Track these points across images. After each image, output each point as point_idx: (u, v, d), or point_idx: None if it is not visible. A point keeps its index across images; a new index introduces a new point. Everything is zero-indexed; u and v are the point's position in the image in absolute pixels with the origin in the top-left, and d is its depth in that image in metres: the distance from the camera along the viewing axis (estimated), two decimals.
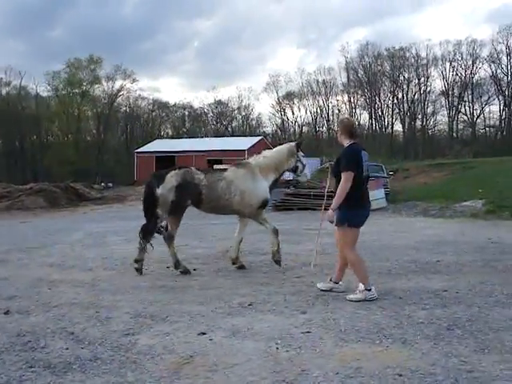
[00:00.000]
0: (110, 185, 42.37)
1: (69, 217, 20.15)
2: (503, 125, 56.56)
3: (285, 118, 70.64)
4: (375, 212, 16.70)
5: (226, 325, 4.62)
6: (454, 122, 59.61)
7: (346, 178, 5.39)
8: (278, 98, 70.47)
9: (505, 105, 56.34)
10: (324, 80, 66.38)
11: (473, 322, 4.58)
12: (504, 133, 55.51)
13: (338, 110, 65.98)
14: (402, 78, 61.83)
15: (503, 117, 56.72)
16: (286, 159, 7.37)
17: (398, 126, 63.52)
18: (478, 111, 58.80)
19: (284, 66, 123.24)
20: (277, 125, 71.75)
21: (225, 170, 7.51)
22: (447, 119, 60.06)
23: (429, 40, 70.76)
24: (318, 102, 66.91)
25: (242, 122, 75.44)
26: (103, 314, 5.05)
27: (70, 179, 36.76)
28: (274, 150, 7.67)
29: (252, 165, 7.32)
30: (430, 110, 60.89)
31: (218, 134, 67.64)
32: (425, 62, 60.54)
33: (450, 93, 59.68)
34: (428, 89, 60.64)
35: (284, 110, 70.43)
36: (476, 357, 3.79)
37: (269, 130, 72.50)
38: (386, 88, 63.10)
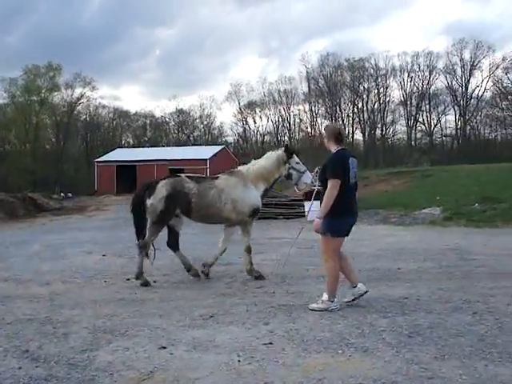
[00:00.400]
0: (70, 195, 41.43)
1: (27, 228, 19.56)
2: (459, 134, 58.17)
3: (247, 127, 70.81)
4: None
5: (187, 338, 4.53)
6: (413, 131, 60.95)
7: (333, 186, 5.23)
8: (239, 107, 70.62)
9: (460, 115, 58.03)
10: (285, 89, 66.92)
11: (433, 329, 4.63)
12: (460, 141, 57.09)
13: (300, 119, 66.62)
14: (361, 88, 62.92)
15: (459, 126, 58.38)
16: (275, 167, 7.20)
17: (358, 135, 64.58)
18: (435, 121, 60.40)
19: (246, 75, 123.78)
20: (239, 134, 71.82)
21: (216, 177, 7.40)
22: (406, 128, 61.38)
23: (388, 51, 72.47)
24: (280, 111, 67.39)
25: (204, 131, 75.16)
26: (60, 330, 4.87)
27: (28, 189, 35.86)
28: (264, 157, 7.50)
29: (243, 173, 7.28)
30: (389, 119, 62.16)
31: (179, 143, 67.13)
32: (384, 72, 61.82)
33: (409, 103, 61.04)
34: (387, 99, 61.92)
35: (246, 119, 70.62)
36: (436, 363, 3.83)
37: (231, 139, 72.51)
38: (346, 98, 64.05)
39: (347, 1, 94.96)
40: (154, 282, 7.19)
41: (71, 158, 65.56)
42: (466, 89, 58.30)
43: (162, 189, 6.96)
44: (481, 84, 57.81)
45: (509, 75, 54.98)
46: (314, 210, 17.17)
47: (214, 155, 52.41)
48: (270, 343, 4.32)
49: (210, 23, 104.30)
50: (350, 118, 63.42)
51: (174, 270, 8.19)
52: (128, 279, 7.31)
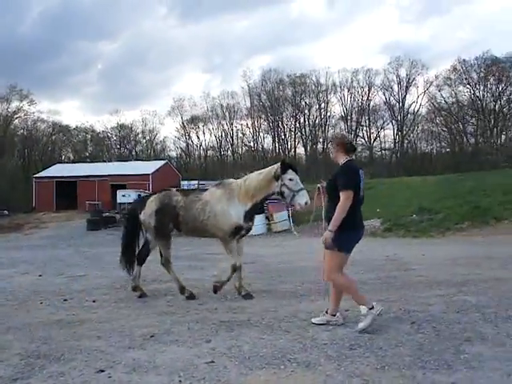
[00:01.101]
0: (6, 212, 39.67)
1: None
2: (397, 148, 60.08)
3: (190, 141, 70.34)
4: (280, 234, 17.01)
5: (126, 360, 4.37)
6: None
7: (346, 197, 4.96)
8: (182, 122, 70.15)
9: (398, 129, 59.97)
10: (228, 104, 67.16)
11: (373, 340, 4.68)
12: (398, 155, 58.95)
13: (243, 134, 66.85)
14: (303, 103, 63.99)
15: (397, 140, 60.29)
16: (265, 183, 6.59)
17: (300, 150, 65.51)
18: (375, 135, 62.09)
19: (189, 90, 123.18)
20: (182, 149, 71.24)
21: (205, 190, 7.25)
22: None
23: (328, 68, 74.08)
24: (223, 126, 67.41)
25: (147, 146, 74.09)
26: None
27: None
28: (257, 172, 6.94)
29: (233, 186, 6.85)
30: (330, 133, 63.42)
31: (121, 159, 65.90)
32: (325, 88, 63.18)
33: (349, 118, 62.54)
34: (328, 114, 63.18)
35: (189, 134, 70.15)
36: (377, 375, 3.87)
37: (174, 154, 71.83)
38: (288, 113, 64.92)
39: (290, 18, 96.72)
40: (94, 301, 6.96)
41: (7, 174, 62.94)
42: (403, 104, 60.44)
43: (152, 204, 6.94)
44: (416, 100, 60.09)
45: (442, 92, 57.52)
46: (259, 224, 17.37)
47: (157, 170, 51.70)
48: (212, 361, 4.24)
49: (153, 38, 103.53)
50: (292, 133, 64.30)
51: (114, 288, 7.96)
52: (66, 299, 7.03)
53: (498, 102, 55.94)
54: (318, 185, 5.74)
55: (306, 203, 6.39)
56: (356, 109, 62.18)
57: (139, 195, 45.29)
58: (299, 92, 63.67)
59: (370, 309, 4.99)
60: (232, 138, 67.44)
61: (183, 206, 6.80)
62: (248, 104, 65.98)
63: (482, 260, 9.48)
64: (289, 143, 64.75)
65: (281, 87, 64.79)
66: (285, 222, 18.14)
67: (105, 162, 63.90)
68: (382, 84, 61.07)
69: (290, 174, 6.46)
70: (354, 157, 5.52)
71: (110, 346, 4.78)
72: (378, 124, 61.84)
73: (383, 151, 62.38)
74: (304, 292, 7.00)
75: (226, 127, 67.26)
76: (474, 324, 5.08)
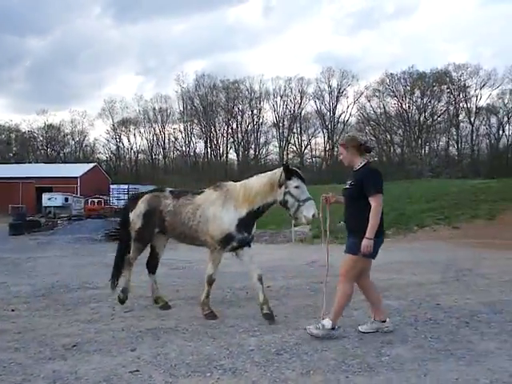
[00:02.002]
0: None
1: None
2: (327, 155, 61.66)
3: (120, 144, 68.95)
4: None
5: (46, 372, 4.17)
6: (285, 152, 63.49)
7: (379, 202, 4.76)
8: (113, 124, 68.65)
9: (328, 137, 61.66)
10: (161, 108, 66.48)
11: (299, 345, 4.75)
12: (328, 162, 60.47)
13: (175, 138, 66.38)
14: (236, 109, 64.42)
15: (327, 148, 61.98)
16: (267, 189, 5.72)
17: (232, 155, 65.82)
18: (306, 142, 63.62)
19: (122, 92, 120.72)
20: (112, 152, 69.68)
21: (199, 192, 6.37)
22: (278, 149, 63.77)
23: (262, 75, 74.90)
24: (155, 129, 66.62)
25: (76, 147, 72.01)
26: None
27: None
28: (260, 175, 6.00)
29: (230, 189, 6.03)
30: (262, 140, 64.25)
31: (48, 160, 63.54)
32: (258, 95, 63.91)
33: (281, 125, 63.64)
34: (261, 120, 64.03)
35: (120, 136, 68.78)
36: (302, 379, 3.93)
37: (104, 156, 70.09)
38: (221, 118, 65.16)
39: (226, 24, 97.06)
40: (12, 310, 6.61)
41: None
42: (334, 113, 62.33)
43: (141, 205, 6.43)
44: (346, 110, 62.12)
45: (371, 103, 59.68)
46: None
47: (86, 173, 50.34)
48: (137, 370, 4.15)
49: (86, 37, 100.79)
50: (225, 138, 64.62)
51: (35, 296, 7.61)
52: None
53: (423, 115, 58.73)
54: (324, 195, 5.38)
55: (313, 216, 5.49)
56: (288, 116, 63.40)
57: (66, 199, 44.02)
58: (232, 98, 64.05)
59: (333, 328, 4.94)
60: (164, 142, 66.86)
61: (171, 210, 6.17)
62: (181, 108, 65.55)
63: (405, 265, 9.85)
64: (221, 148, 64.96)
65: (214, 92, 64.95)
66: None
67: (30, 163, 61.33)
68: (314, 93, 62.66)
69: (296, 181, 5.57)
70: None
71: (28, 358, 4.55)
72: (310, 132, 63.42)
73: (314, 158, 63.80)
74: (232, 298, 7.00)
75: (157, 131, 66.57)
76: (396, 327, 5.25)
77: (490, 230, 14.92)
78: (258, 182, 5.85)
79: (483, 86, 57.52)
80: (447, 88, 58.41)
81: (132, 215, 6.49)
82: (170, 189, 6.62)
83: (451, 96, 58.54)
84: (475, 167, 53.80)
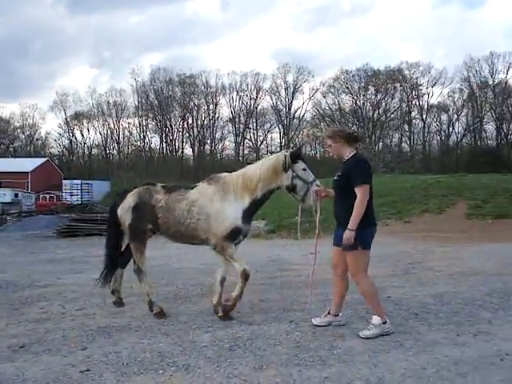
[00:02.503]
0: None
1: None
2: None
3: (73, 138, 67.33)
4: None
5: None
6: (241, 147, 63.55)
7: (365, 192, 4.72)
8: (66, 118, 66.93)
9: (284, 133, 62.07)
10: (115, 101, 65.27)
11: (253, 340, 4.78)
12: None
13: (129, 133, 65.33)
14: (192, 103, 63.92)
15: (283, 143, 62.30)
16: (271, 175, 5.48)
17: (188, 150, 65.35)
18: (262, 138, 63.80)
19: (75, 85, 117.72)
20: (64, 146, 67.98)
21: (192, 187, 5.92)
22: (234, 144, 63.78)
23: (218, 69, 74.51)
24: (109, 123, 65.37)
25: (26, 141, 69.88)
26: None
27: None
28: (259, 162, 5.86)
29: (226, 181, 5.69)
30: (218, 135, 64.05)
31: None
32: (214, 90, 63.61)
33: (237, 120, 63.55)
34: (216, 115, 63.78)
35: (73, 130, 67.15)
36: (255, 374, 3.96)
37: (56, 151, 68.28)
38: (176, 113, 64.53)
39: (183, 17, 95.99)
40: None
41: None
42: (290, 109, 62.69)
43: (130, 199, 5.87)
44: (302, 106, 62.65)
45: (326, 99, 60.41)
46: None
47: (36, 168, 48.97)
48: (87, 370, 4.08)
49: (38, 26, 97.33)
50: (180, 133, 64.05)
51: None
52: None
53: (376, 111, 59.88)
54: (315, 189, 5.32)
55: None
56: (244, 111, 63.33)
57: (16, 194, 42.67)
58: (188, 92, 63.53)
59: (384, 323, 4.85)
60: (118, 136, 65.66)
61: (164, 206, 5.68)
62: (136, 102, 64.54)
63: None
64: (176, 144, 64.37)
65: (170, 87, 64.21)
66: None
67: None
68: (270, 88, 62.82)
69: (302, 163, 5.48)
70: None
71: None
72: (265, 127, 63.57)
73: (269, 154, 64.01)
74: (186, 294, 6.95)
75: (112, 125, 65.30)
76: (348, 320, 5.34)
77: (440, 224, 15.38)
78: (259, 168, 5.60)
79: (434, 84, 59.30)
80: (400, 85, 59.76)
81: (120, 210, 5.93)
82: (161, 184, 6.08)
83: (404, 93, 59.96)
84: (426, 163, 55.28)
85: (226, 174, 5.87)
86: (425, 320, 5.35)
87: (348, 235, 4.69)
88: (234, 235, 5.52)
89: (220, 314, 5.56)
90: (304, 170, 5.45)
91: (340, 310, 5.25)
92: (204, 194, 5.64)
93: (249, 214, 5.59)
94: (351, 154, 4.99)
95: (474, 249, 11.38)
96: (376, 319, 4.85)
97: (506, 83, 56.32)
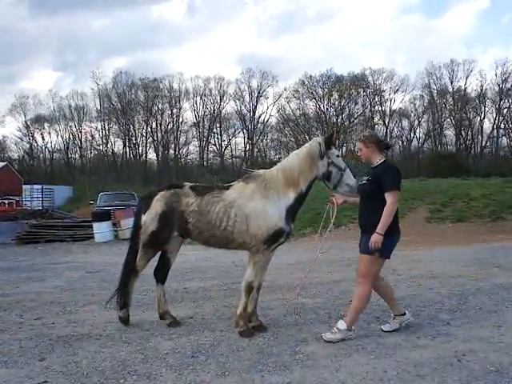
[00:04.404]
0: None
1: None
2: (247, 155, 62.12)
3: (34, 143, 65.71)
4: (127, 241, 16.54)
5: None
6: (205, 152, 63.28)
7: (395, 199, 4.73)
8: (26, 122, 65.26)
9: (248, 138, 62.10)
10: (77, 105, 64.03)
11: (215, 347, 4.75)
12: (248, 163, 60.92)
13: (92, 137, 64.16)
14: (155, 108, 63.29)
15: (247, 148, 62.40)
16: (308, 164, 5.22)
17: (152, 155, 64.65)
18: (226, 142, 63.59)
19: (37, 88, 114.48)
20: (24, 150, 66.27)
21: (227, 187, 5.44)
22: (198, 149, 63.43)
23: (182, 74, 74.06)
24: (71, 127, 64.06)
25: None
26: None
27: None
28: (292, 154, 5.49)
29: (265, 178, 5.26)
30: (182, 139, 63.52)
31: None
32: (177, 94, 63.15)
33: (201, 125, 63.23)
34: (180, 120, 63.26)
35: (33, 134, 65.54)
36: (217, 381, 3.94)
37: (15, 155, 66.48)
38: (140, 117, 63.73)
39: (149, 21, 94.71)
40: None
41: None
42: (254, 114, 62.74)
43: (157, 204, 5.33)
44: (266, 111, 62.82)
45: (290, 104, 60.83)
46: (105, 231, 16.72)
47: None
48: (45, 382, 3.97)
49: None
50: (144, 138, 63.29)
51: None
52: None
53: (340, 117, 60.62)
54: (332, 196, 5.34)
55: (354, 185, 5.28)
56: (208, 116, 63.05)
57: None
58: (152, 97, 62.88)
59: (349, 330, 4.84)
60: (80, 140, 64.37)
61: (195, 210, 5.22)
62: (98, 106, 63.49)
63: (321, 264, 10.10)
64: (140, 148, 63.57)
65: (133, 90, 63.42)
66: None
67: None
68: (234, 93, 62.80)
69: (335, 149, 5.35)
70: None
71: None
72: (230, 132, 63.44)
73: (234, 159, 64.03)
74: (149, 301, 6.85)
75: (74, 129, 64.01)
76: (310, 325, 5.39)
77: (401, 228, 15.64)
78: (296, 160, 5.29)
79: (397, 90, 60.22)
80: (364, 91, 60.66)
81: (145, 217, 5.39)
82: (190, 184, 5.56)
83: (367, 99, 60.88)
84: None
85: (263, 170, 5.49)
86: (386, 323, 5.41)
87: (376, 239, 4.65)
88: (276, 237, 5.12)
89: (239, 330, 5.17)
90: (338, 156, 5.33)
91: (400, 310, 5.26)
92: (242, 193, 5.21)
93: (293, 212, 5.22)
94: (381, 161, 5.04)
95: (434, 252, 11.65)
96: (342, 324, 4.86)
97: (464, 90, 57.91)
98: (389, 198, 4.73)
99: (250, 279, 5.16)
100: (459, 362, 4.24)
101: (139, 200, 5.90)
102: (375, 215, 4.73)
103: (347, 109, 60.98)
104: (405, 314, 5.24)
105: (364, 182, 5.05)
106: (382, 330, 5.16)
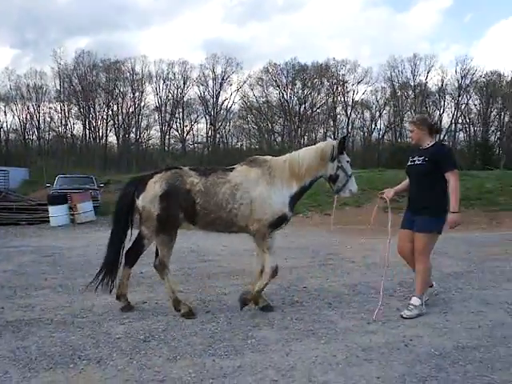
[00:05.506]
0: None
1: None
2: (209, 142, 61.77)
3: None
4: (84, 225, 16.30)
5: None
6: (166, 137, 62.57)
7: (457, 177, 5.05)
8: None
9: (210, 124, 61.68)
10: (35, 85, 62.09)
11: (168, 331, 4.77)
12: (210, 149, 60.65)
13: (50, 118, 62.43)
14: (117, 90, 62.07)
15: (209, 134, 61.99)
16: (319, 163, 5.41)
17: (112, 138, 63.47)
18: (188, 128, 62.96)
19: None
20: None
21: (231, 169, 5.48)
22: (160, 134, 62.66)
23: (145, 57, 72.76)
24: (28, 107, 62.16)
25: None
26: None
27: None
28: (304, 149, 5.62)
29: (271, 164, 5.39)
30: (144, 123, 62.55)
31: None
32: (140, 77, 62.04)
33: (163, 109, 62.37)
34: (142, 103, 62.22)
35: None
36: (169, 365, 3.96)
37: None
38: (101, 99, 62.38)
39: (114, 1, 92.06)
40: None
41: None
42: (217, 100, 62.28)
43: (156, 185, 5.18)
44: (230, 97, 62.49)
45: (254, 91, 60.67)
46: (60, 214, 16.38)
47: None
48: None
49: None
50: (104, 121, 62.04)
51: None
52: None
53: (303, 106, 60.89)
54: (381, 194, 5.76)
55: (355, 192, 5.64)
56: (171, 101, 62.24)
57: None
58: (113, 79, 61.60)
59: (422, 304, 5.25)
60: (38, 121, 62.58)
61: (202, 190, 5.18)
62: (58, 86, 61.80)
63: (280, 251, 10.19)
64: (100, 131, 62.32)
65: (94, 72, 61.96)
66: (90, 212, 17.45)
67: None
68: (198, 78, 62.14)
69: (346, 155, 5.55)
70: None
71: None
72: (192, 117, 62.80)
73: (196, 144, 63.59)
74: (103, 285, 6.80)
75: (32, 109, 62.15)
76: (262, 311, 5.44)
77: (358, 217, 15.94)
78: (307, 155, 5.44)
79: (360, 81, 60.81)
80: (327, 81, 61.05)
81: (142, 201, 5.24)
82: (189, 166, 5.52)
83: (330, 89, 61.30)
84: (350, 157, 56.82)
85: (270, 157, 5.61)
86: (338, 309, 5.54)
87: (456, 218, 4.97)
88: (280, 222, 5.32)
89: (261, 306, 5.50)
90: (348, 162, 5.52)
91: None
92: (248, 177, 5.29)
93: (294, 202, 5.41)
94: (432, 142, 5.31)
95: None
96: (417, 300, 5.26)
97: (425, 84, 59.02)
98: (452, 176, 5.02)
99: (273, 264, 5.33)
100: (406, 346, 4.37)
101: (129, 183, 5.63)
102: (432, 194, 5.14)
103: (310, 98, 61.26)
104: (432, 285, 5.79)
105: (419, 162, 5.27)
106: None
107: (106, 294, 5.53)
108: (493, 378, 3.68)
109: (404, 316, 5.18)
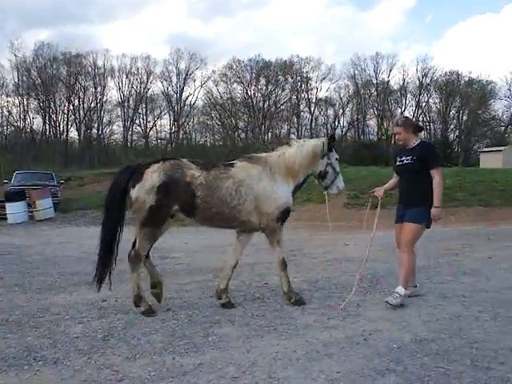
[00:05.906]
0: None
1: None
2: (173, 138, 61.26)
3: None
4: (43, 223, 15.96)
5: None
6: (129, 133, 61.71)
7: (441, 174, 5.39)
8: None
9: (174, 119, 61.15)
10: None
11: (128, 329, 4.70)
12: (173, 145, 60.13)
13: (8, 112, 60.68)
14: (78, 85, 60.81)
15: (173, 130, 61.44)
16: (310, 160, 5.54)
17: (73, 133, 62.17)
18: (151, 124, 62.27)
19: None
20: None
21: (231, 164, 5.44)
22: (122, 129, 61.75)
23: (107, 51, 71.50)
24: None
25: None
26: None
27: None
28: (296, 145, 5.63)
29: (269, 161, 5.46)
30: (106, 119, 61.52)
31: None
32: (102, 71, 60.97)
33: (126, 104, 61.46)
34: (105, 98, 61.16)
35: None
36: (128, 364, 3.90)
37: None
38: (61, 93, 60.99)
39: None
40: None
41: None
42: (181, 96, 61.73)
43: (153, 175, 4.97)
44: (193, 93, 62.04)
45: (218, 87, 60.43)
46: (19, 211, 15.99)
47: None
48: None
49: None
50: (65, 115, 60.72)
51: None
52: None
53: (267, 102, 61.03)
54: (373, 193, 5.99)
55: (342, 188, 5.84)
56: (134, 96, 61.38)
57: None
58: (74, 73, 60.31)
59: (405, 289, 5.46)
60: None
61: (203, 183, 5.07)
62: (16, 80, 60.11)
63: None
64: (61, 126, 60.95)
65: (54, 65, 60.51)
66: (49, 209, 17.07)
67: None
68: (162, 74, 61.48)
69: (335, 153, 5.72)
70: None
71: None
72: (155, 113, 62.12)
73: (159, 140, 62.96)
74: (61, 284, 6.65)
75: None
76: (223, 308, 5.42)
77: (320, 213, 16.07)
78: (298, 153, 5.52)
79: (323, 79, 61.34)
80: (291, 78, 61.32)
81: (137, 191, 5.00)
82: (188, 159, 5.37)
83: (294, 86, 61.62)
84: None
85: (264, 154, 5.72)
86: (299, 305, 5.56)
87: (437, 212, 5.32)
88: (286, 215, 5.46)
89: (223, 302, 5.51)
90: (336, 159, 5.72)
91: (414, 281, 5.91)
92: (249, 173, 5.31)
93: (293, 197, 5.61)
94: (418, 141, 5.59)
95: (349, 237, 12.04)
96: (401, 290, 5.42)
97: (387, 83, 59.99)
98: (436, 173, 5.37)
99: (280, 256, 5.51)
100: (365, 340, 4.42)
101: (122, 170, 5.34)
102: (422, 188, 5.40)
103: (274, 95, 61.44)
104: (416, 286, 5.95)
105: (407, 161, 5.54)
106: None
107: (65, 293, 5.42)
108: (448, 369, 3.76)
109: (389, 303, 5.34)
